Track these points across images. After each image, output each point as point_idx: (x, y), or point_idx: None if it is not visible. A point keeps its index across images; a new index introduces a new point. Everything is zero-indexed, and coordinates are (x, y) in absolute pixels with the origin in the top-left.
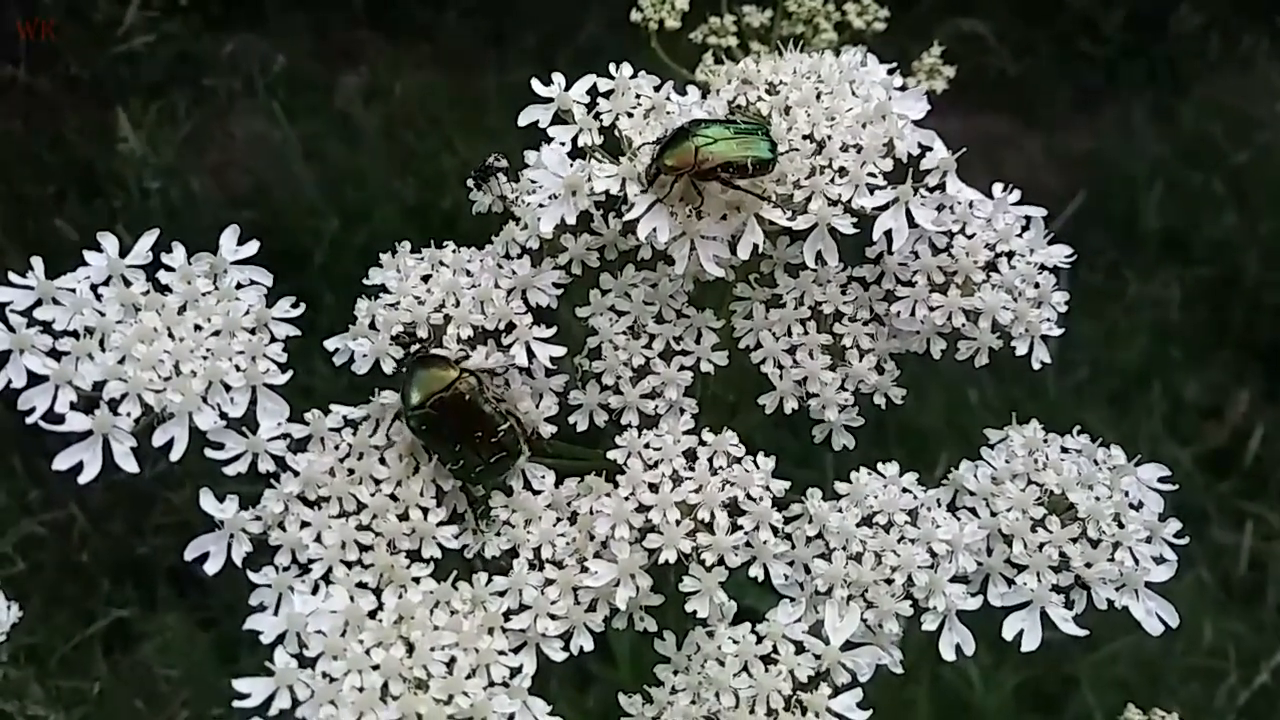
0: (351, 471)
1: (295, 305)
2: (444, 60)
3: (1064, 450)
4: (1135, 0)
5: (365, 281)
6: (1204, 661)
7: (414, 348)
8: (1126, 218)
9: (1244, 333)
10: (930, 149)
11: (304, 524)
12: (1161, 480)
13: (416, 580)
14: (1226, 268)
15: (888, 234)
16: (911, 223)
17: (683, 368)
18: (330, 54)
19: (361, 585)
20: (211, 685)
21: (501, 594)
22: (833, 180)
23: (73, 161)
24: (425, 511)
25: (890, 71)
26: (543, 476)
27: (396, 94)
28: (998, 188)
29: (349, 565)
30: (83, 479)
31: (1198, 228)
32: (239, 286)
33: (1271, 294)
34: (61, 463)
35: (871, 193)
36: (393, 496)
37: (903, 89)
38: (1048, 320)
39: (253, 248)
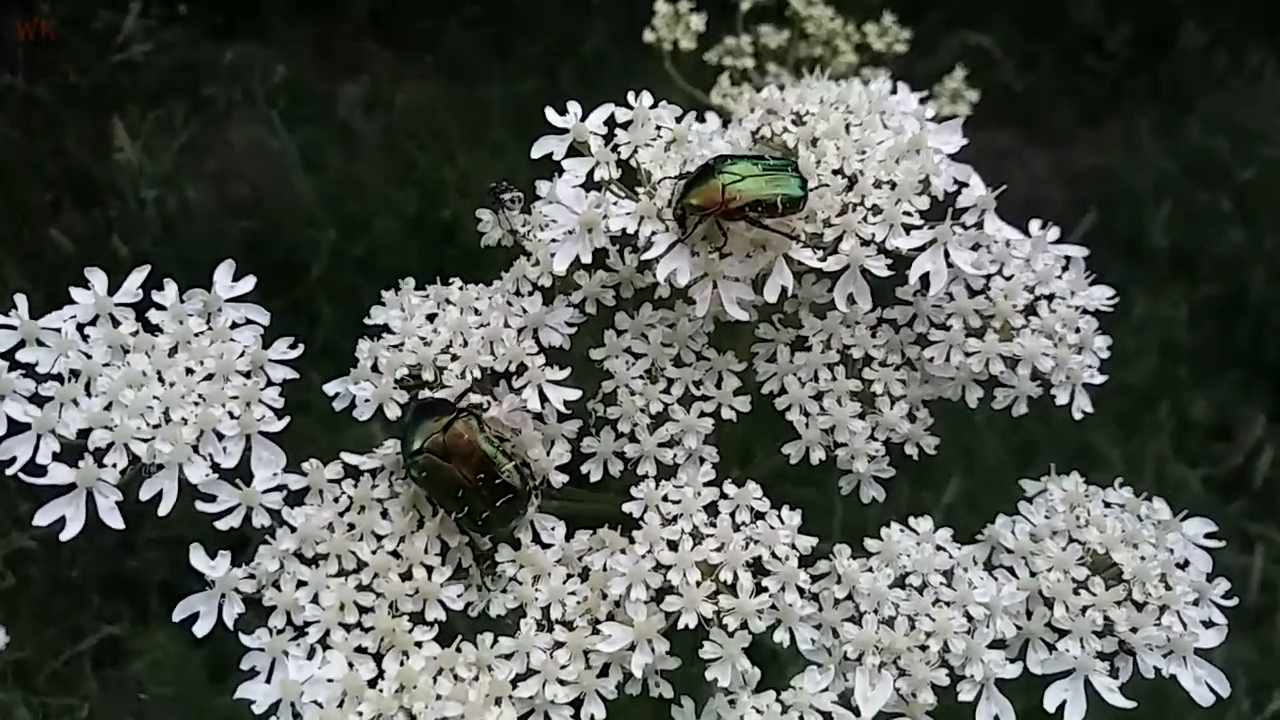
0: (352, 527)
1: (293, 346)
2: (446, 71)
3: (1106, 505)
4: (1141, 16)
5: (366, 321)
6: None
7: (420, 393)
8: (1132, 235)
9: (1251, 352)
10: (966, 185)
11: (300, 583)
12: (1208, 536)
13: (419, 645)
14: (1233, 286)
15: (924, 277)
16: (949, 264)
17: (703, 414)
18: (332, 64)
19: (361, 650)
20: (203, 704)
21: (508, 657)
22: (865, 219)
23: (70, 170)
24: (430, 570)
25: (922, 101)
26: (552, 529)
27: (398, 104)
28: (1035, 225)
29: (348, 628)
30: (65, 536)
31: (1204, 245)
32: (234, 326)
33: (1279, 312)
34: (42, 518)
35: (907, 232)
36: (395, 554)
37: (935, 119)
38: (1090, 367)
39: (249, 284)
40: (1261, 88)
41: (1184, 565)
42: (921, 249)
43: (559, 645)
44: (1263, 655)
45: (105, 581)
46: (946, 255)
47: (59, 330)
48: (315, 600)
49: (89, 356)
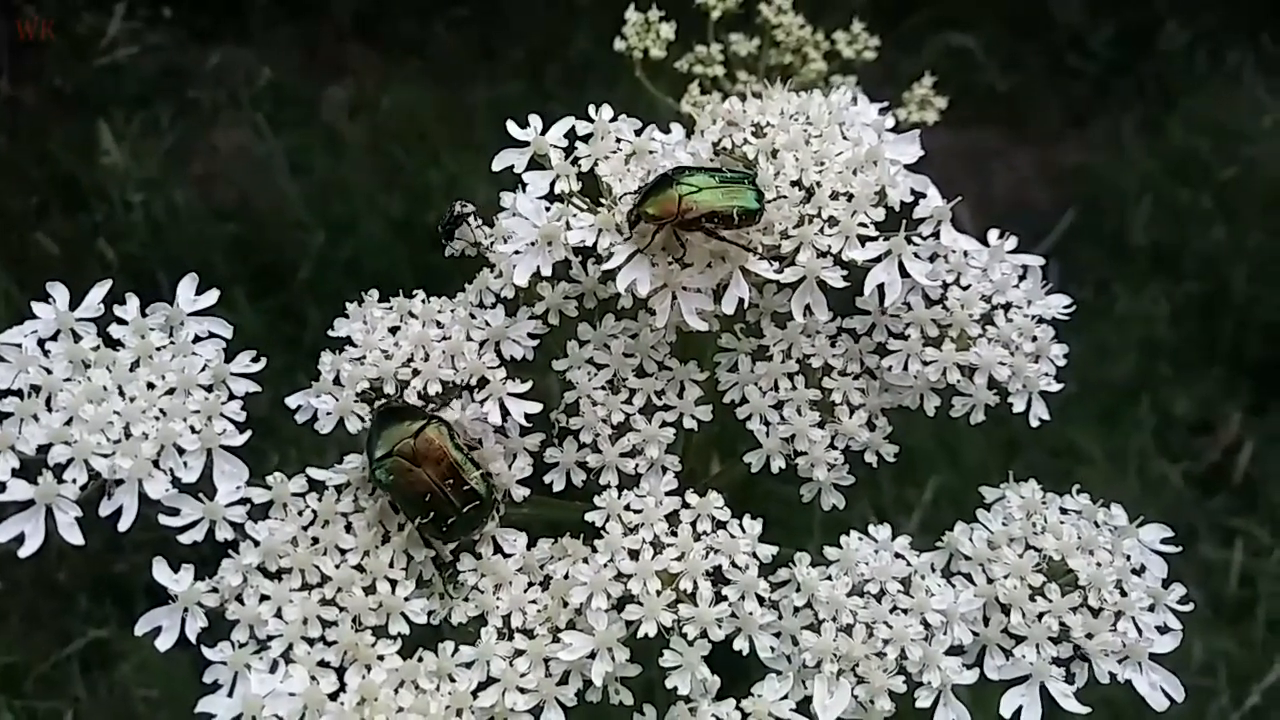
0: (316, 540)
1: (255, 360)
2: (432, 74)
3: (1063, 511)
4: (1123, 16)
5: (330, 333)
6: (1194, 681)
7: (379, 402)
8: (1115, 233)
9: (1232, 348)
10: (924, 195)
11: (263, 597)
12: (1164, 541)
13: (381, 658)
14: (1215, 283)
15: (880, 288)
16: (904, 274)
17: (664, 424)
18: (317, 67)
19: (323, 664)
20: (191, 706)
21: (468, 666)
22: (822, 230)
23: (55, 174)
24: (394, 584)
25: (882, 111)
26: (514, 540)
27: (383, 107)
28: (993, 234)
29: (310, 642)
30: (23, 553)
31: (1186, 243)
32: (196, 340)
33: (1260, 310)
34: (1, 535)
35: (863, 244)
36: (359, 568)
37: (895, 129)
38: (1046, 375)
39: (212, 297)
40: (1242, 87)
41: (1140, 571)
42: (877, 260)
43: (519, 653)
44: (1243, 648)
45: (92, 584)
46: (901, 266)
47: (19, 345)
48: (278, 614)
49: (49, 371)
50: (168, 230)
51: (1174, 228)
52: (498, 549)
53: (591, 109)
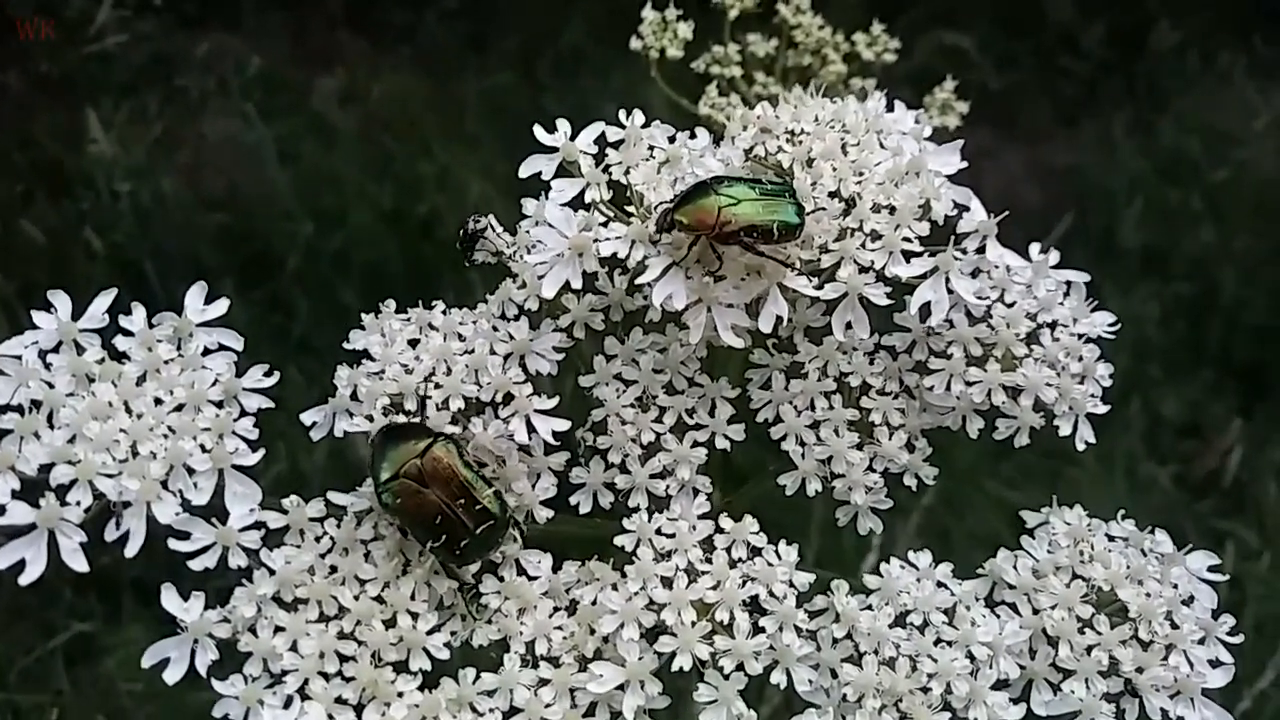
0: (334, 570)
1: (268, 374)
2: (423, 64)
3: (1109, 538)
4: (1116, 16)
5: (346, 346)
6: None
7: (382, 422)
8: (1106, 233)
9: (1221, 350)
10: (967, 209)
11: (278, 629)
12: (1211, 569)
13: (401, 694)
14: (1204, 285)
15: (924, 306)
16: (949, 291)
17: (696, 444)
18: (307, 56)
19: (341, 701)
20: (176, 701)
21: (490, 694)
22: (864, 245)
23: (41, 161)
24: (415, 618)
25: (918, 120)
26: (538, 562)
27: (374, 96)
28: (1034, 249)
29: (327, 678)
30: (24, 580)
31: (1176, 244)
32: (205, 352)
33: (1248, 312)
34: (0, 561)
35: (907, 260)
36: (379, 599)
37: (932, 139)
38: (1093, 397)
39: (222, 306)
40: (1233, 89)
41: (1189, 601)
42: (922, 277)
43: (544, 683)
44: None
45: (77, 577)
46: (948, 283)
47: (19, 358)
48: (294, 648)
49: (51, 386)
50: (155, 219)
51: (1164, 229)
52: (521, 571)
53: (623, 114)
